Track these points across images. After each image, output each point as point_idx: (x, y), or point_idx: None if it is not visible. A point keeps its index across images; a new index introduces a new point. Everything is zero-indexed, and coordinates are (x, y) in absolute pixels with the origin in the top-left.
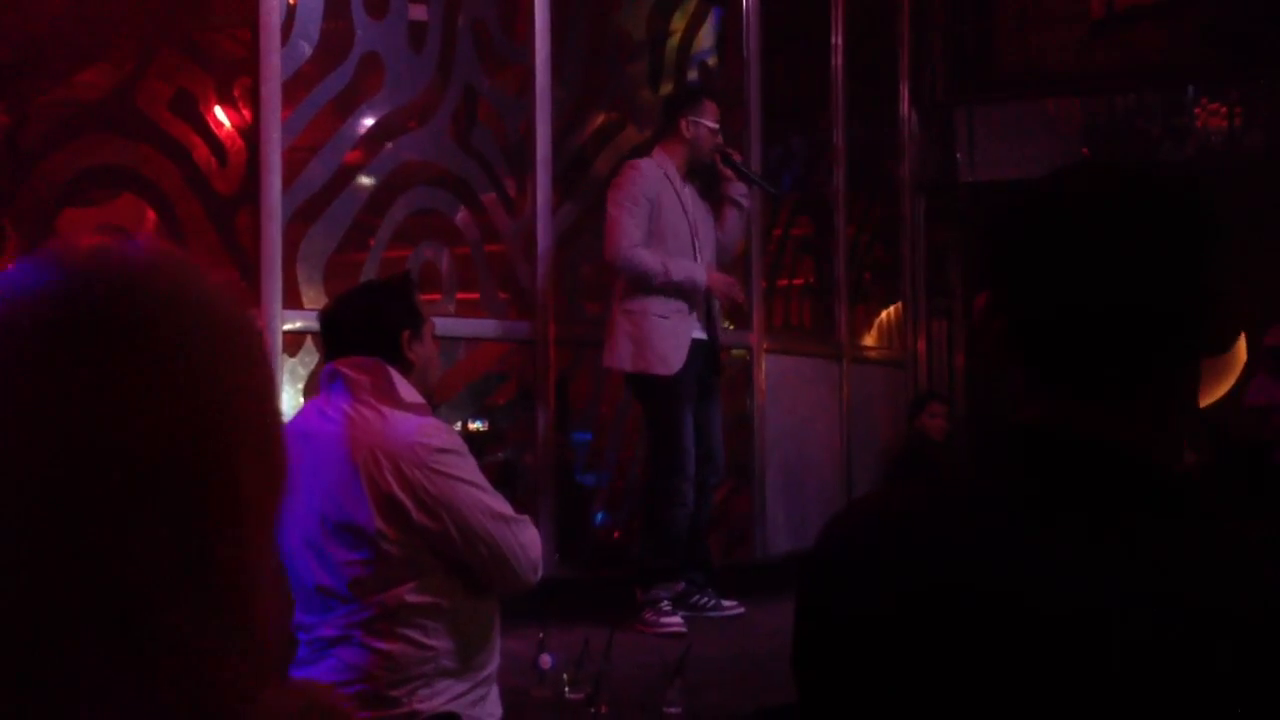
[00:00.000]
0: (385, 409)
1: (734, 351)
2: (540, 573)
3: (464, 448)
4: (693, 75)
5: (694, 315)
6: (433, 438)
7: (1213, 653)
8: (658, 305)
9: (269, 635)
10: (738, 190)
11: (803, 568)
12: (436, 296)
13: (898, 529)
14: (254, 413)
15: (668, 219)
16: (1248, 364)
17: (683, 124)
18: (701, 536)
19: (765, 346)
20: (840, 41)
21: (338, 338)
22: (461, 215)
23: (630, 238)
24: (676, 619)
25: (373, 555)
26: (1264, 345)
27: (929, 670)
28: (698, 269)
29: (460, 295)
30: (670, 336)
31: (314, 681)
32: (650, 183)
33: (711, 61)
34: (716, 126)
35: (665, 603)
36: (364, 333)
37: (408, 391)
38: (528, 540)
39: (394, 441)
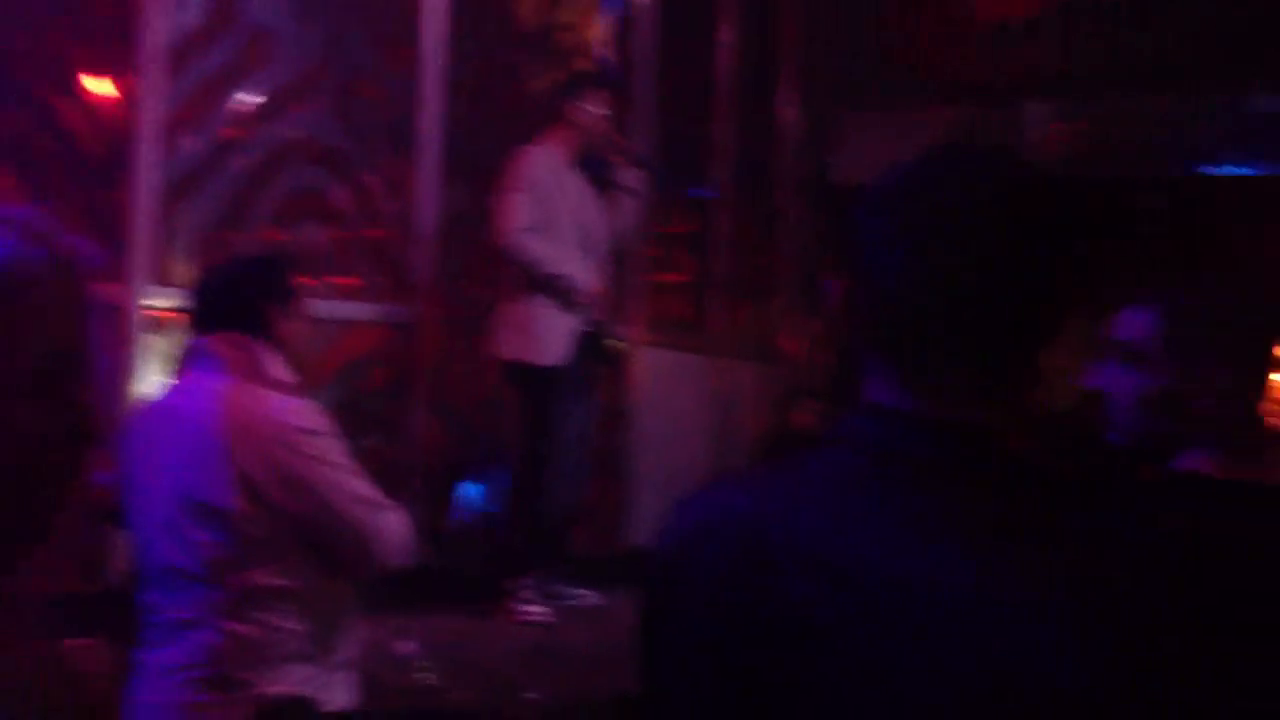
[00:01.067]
0: (252, 387)
1: (611, 345)
2: (407, 559)
3: (332, 429)
4: (586, 64)
5: (580, 307)
6: (300, 418)
7: (1033, 627)
8: (545, 292)
9: None
10: (630, 177)
11: (650, 553)
12: (314, 280)
13: (736, 511)
14: None
15: (557, 206)
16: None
17: (571, 111)
18: (566, 527)
19: (642, 340)
20: (731, 39)
21: (205, 311)
22: (343, 195)
23: (519, 221)
24: (541, 608)
25: (231, 536)
26: (1110, 335)
27: (764, 646)
28: (583, 271)
29: (339, 279)
30: (555, 326)
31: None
32: (539, 169)
33: (606, 51)
34: (605, 113)
35: (529, 591)
36: (232, 307)
37: (276, 369)
38: (394, 525)
39: (260, 420)
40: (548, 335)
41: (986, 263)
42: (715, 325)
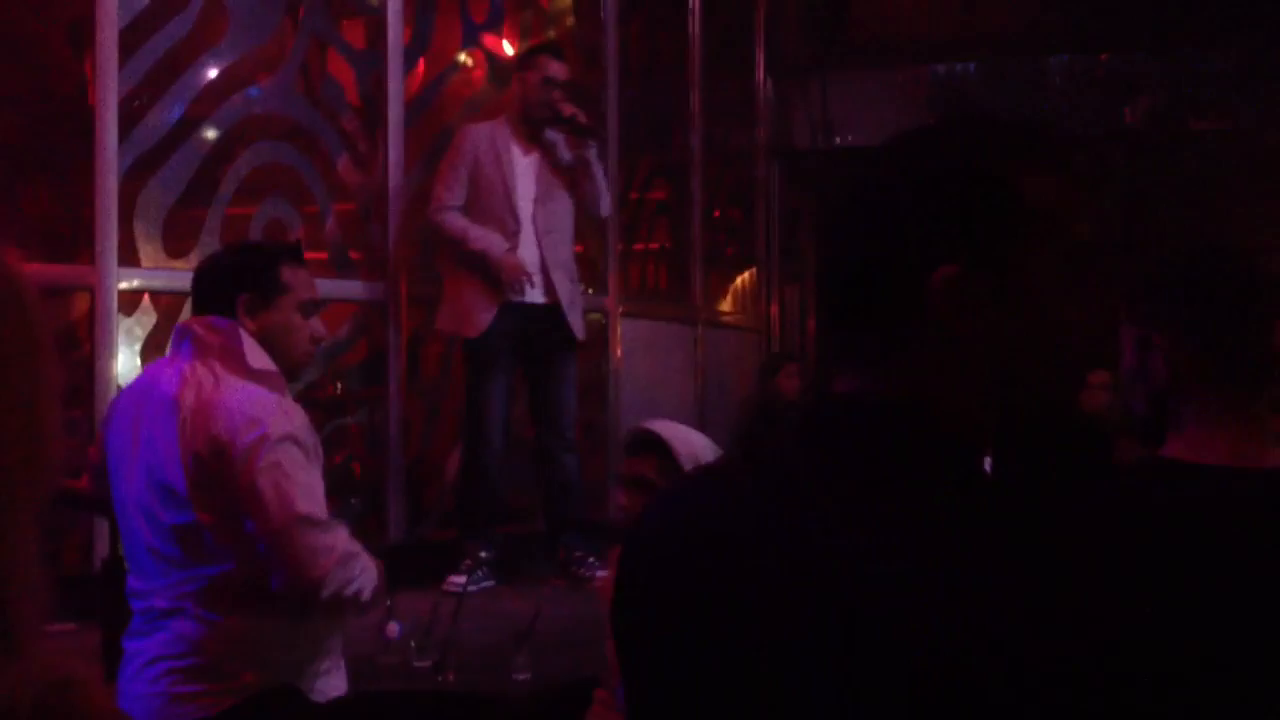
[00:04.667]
0: (224, 374)
1: (589, 315)
2: (368, 608)
3: (293, 433)
4: (551, 34)
5: (504, 280)
6: (259, 412)
7: (956, 618)
8: (469, 266)
9: (22, 617)
10: (581, 145)
11: (625, 539)
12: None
13: (704, 504)
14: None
15: (485, 178)
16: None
17: (515, 80)
18: (562, 502)
19: (621, 310)
20: (698, 4)
21: (194, 295)
22: (310, 171)
23: (441, 200)
24: (462, 579)
25: (196, 521)
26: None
27: (725, 630)
28: (495, 243)
29: (309, 255)
30: (477, 297)
31: (67, 658)
32: (471, 143)
33: (569, 22)
34: (545, 79)
35: (467, 561)
36: (209, 292)
37: (258, 359)
38: (322, 546)
39: (218, 410)
40: (469, 307)
41: (878, 236)
42: (695, 293)
